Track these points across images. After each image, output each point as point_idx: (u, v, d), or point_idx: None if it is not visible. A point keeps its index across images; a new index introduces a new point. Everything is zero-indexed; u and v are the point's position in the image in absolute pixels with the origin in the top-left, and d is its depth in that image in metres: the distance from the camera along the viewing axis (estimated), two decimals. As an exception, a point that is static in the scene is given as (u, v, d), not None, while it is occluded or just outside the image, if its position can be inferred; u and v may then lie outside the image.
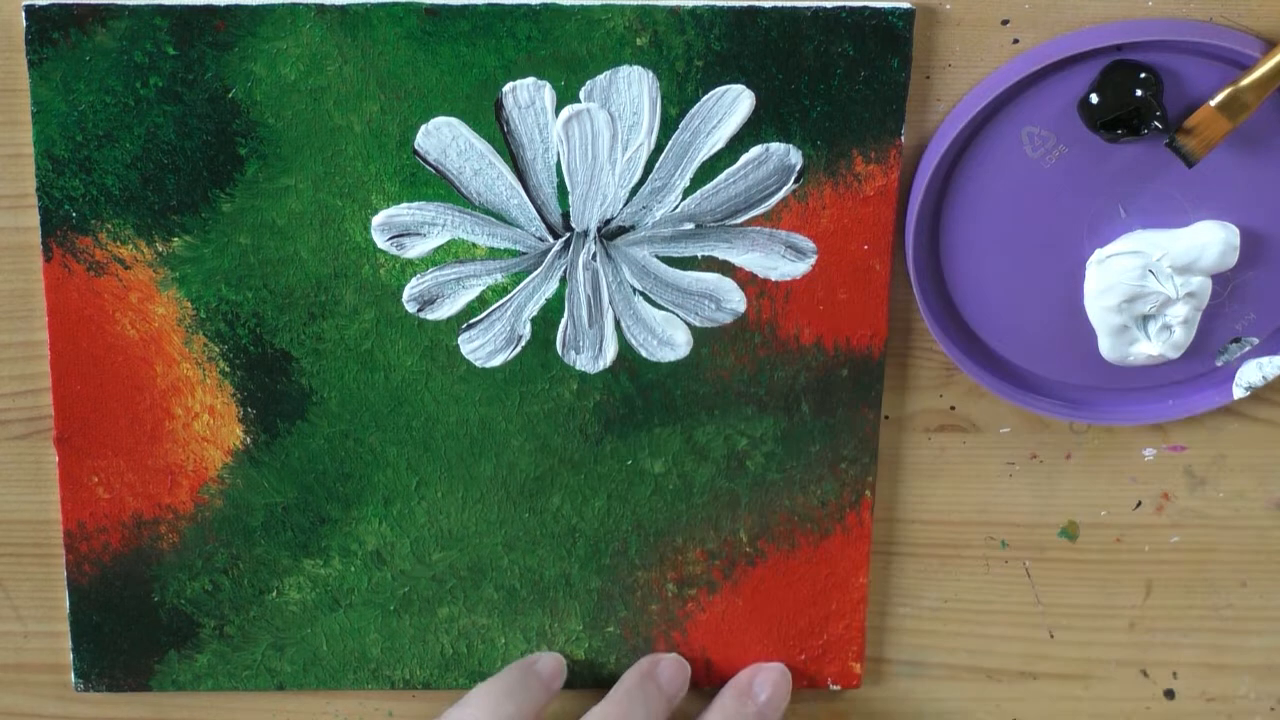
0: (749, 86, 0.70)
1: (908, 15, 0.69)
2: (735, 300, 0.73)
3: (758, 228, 0.72)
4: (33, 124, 0.70)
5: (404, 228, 0.71)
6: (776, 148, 0.71)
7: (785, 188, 0.71)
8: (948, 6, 0.70)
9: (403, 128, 0.70)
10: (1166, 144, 0.69)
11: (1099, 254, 0.71)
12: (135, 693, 0.78)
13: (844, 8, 0.69)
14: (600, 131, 0.70)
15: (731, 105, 0.70)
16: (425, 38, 0.69)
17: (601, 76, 0.69)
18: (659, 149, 0.70)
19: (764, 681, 0.78)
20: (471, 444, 0.75)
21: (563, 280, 0.72)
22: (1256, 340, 0.74)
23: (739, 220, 0.72)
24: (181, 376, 0.73)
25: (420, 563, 0.76)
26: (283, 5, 0.68)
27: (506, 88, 0.69)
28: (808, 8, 0.69)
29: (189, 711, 0.79)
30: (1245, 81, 0.68)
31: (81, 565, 0.75)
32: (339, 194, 0.71)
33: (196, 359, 0.73)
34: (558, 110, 0.70)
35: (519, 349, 0.73)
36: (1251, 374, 0.74)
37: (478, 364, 0.74)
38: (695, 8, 0.69)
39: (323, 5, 0.68)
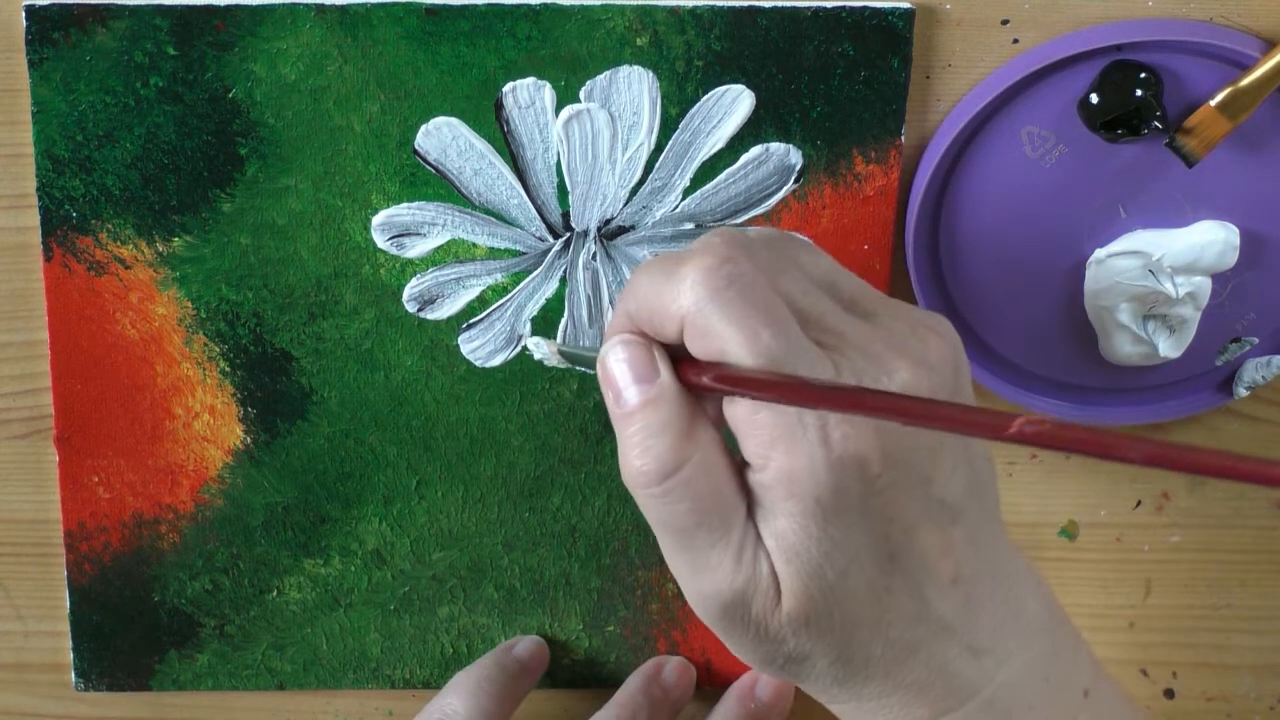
0: (749, 86, 0.70)
1: (908, 15, 0.69)
2: (735, 300, 0.73)
3: (760, 227, 0.72)
4: (33, 124, 0.70)
5: (404, 228, 0.71)
6: (776, 148, 0.71)
7: (785, 188, 0.71)
8: (948, 6, 0.70)
9: (403, 128, 0.70)
10: (1166, 144, 0.69)
11: (1099, 254, 0.71)
12: (135, 692, 0.78)
13: (844, 8, 0.69)
14: (600, 131, 0.70)
15: (731, 105, 0.70)
16: (425, 38, 0.69)
17: (601, 76, 0.69)
18: (659, 149, 0.70)
19: (766, 684, 0.78)
20: (471, 444, 0.75)
21: (563, 280, 0.72)
22: (1256, 340, 0.74)
23: (739, 220, 0.72)
24: (182, 376, 0.73)
25: (420, 562, 0.76)
26: (283, 5, 0.68)
27: (506, 88, 0.69)
28: (808, 8, 0.69)
29: (189, 711, 0.79)
30: (1245, 81, 0.68)
31: (82, 565, 0.75)
32: (339, 194, 0.71)
33: (197, 359, 0.73)
34: (558, 110, 0.70)
35: (519, 349, 0.73)
36: (1251, 374, 0.74)
37: (478, 364, 0.74)
38: (695, 8, 0.69)
39: (323, 5, 0.68)
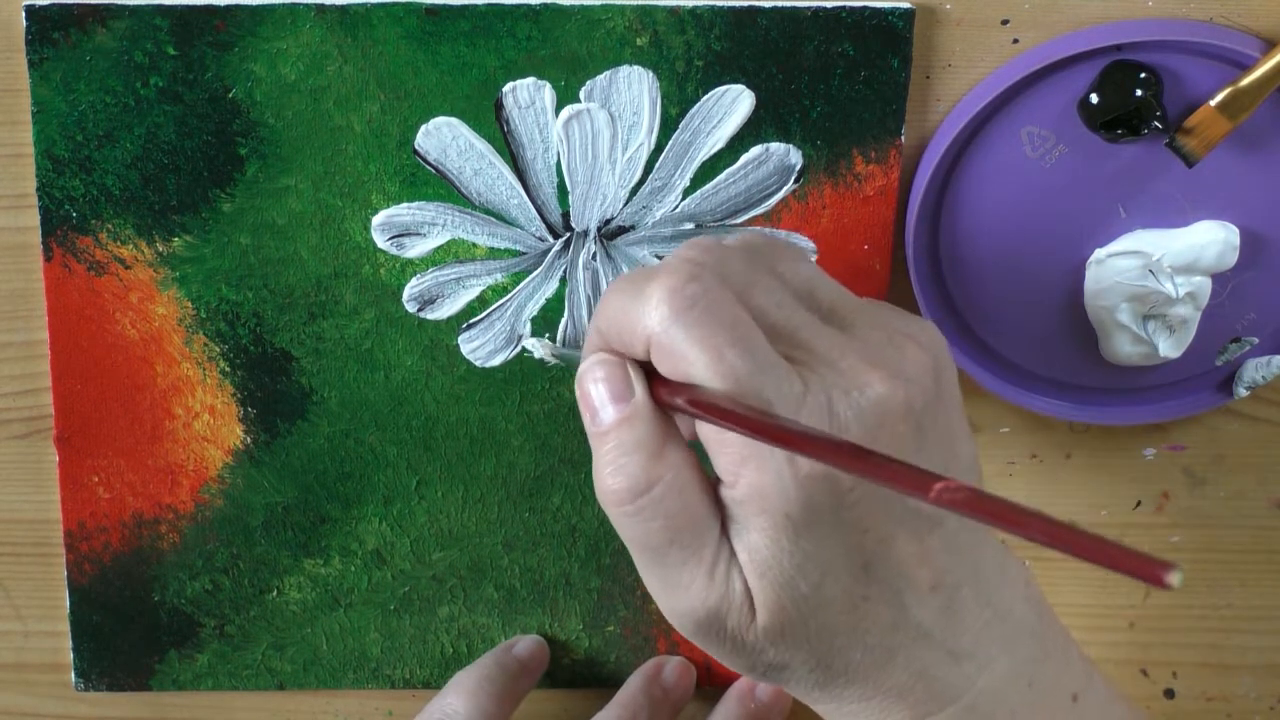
0: (749, 86, 0.70)
1: (908, 15, 0.69)
2: (735, 300, 0.73)
3: (758, 228, 0.72)
4: (33, 124, 0.70)
5: (404, 228, 0.71)
6: (776, 148, 0.71)
7: (785, 188, 0.71)
8: (948, 6, 0.70)
9: (403, 128, 0.70)
10: (1166, 144, 0.69)
11: (1099, 254, 0.71)
12: (135, 692, 0.78)
13: (844, 8, 0.69)
14: (600, 131, 0.70)
15: (731, 105, 0.70)
16: (425, 38, 0.69)
17: (601, 76, 0.69)
18: (659, 149, 0.70)
19: (766, 686, 0.78)
20: (471, 443, 0.75)
21: (563, 280, 0.72)
22: (1256, 340, 0.74)
23: (739, 220, 0.72)
24: (182, 376, 0.73)
25: (420, 562, 0.76)
26: (283, 5, 0.68)
27: (506, 88, 0.69)
28: (808, 8, 0.69)
29: (189, 711, 0.79)
30: (1245, 81, 0.68)
31: (81, 565, 0.75)
32: (339, 194, 0.71)
33: (197, 359, 0.73)
34: (558, 110, 0.70)
35: (519, 349, 0.73)
36: (1251, 374, 0.74)
37: (478, 364, 0.74)
38: (695, 8, 0.69)
39: (323, 5, 0.68)
